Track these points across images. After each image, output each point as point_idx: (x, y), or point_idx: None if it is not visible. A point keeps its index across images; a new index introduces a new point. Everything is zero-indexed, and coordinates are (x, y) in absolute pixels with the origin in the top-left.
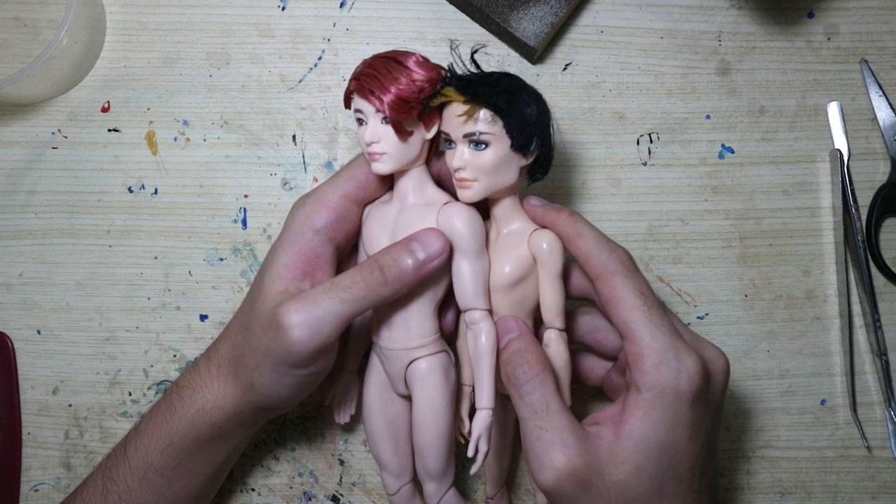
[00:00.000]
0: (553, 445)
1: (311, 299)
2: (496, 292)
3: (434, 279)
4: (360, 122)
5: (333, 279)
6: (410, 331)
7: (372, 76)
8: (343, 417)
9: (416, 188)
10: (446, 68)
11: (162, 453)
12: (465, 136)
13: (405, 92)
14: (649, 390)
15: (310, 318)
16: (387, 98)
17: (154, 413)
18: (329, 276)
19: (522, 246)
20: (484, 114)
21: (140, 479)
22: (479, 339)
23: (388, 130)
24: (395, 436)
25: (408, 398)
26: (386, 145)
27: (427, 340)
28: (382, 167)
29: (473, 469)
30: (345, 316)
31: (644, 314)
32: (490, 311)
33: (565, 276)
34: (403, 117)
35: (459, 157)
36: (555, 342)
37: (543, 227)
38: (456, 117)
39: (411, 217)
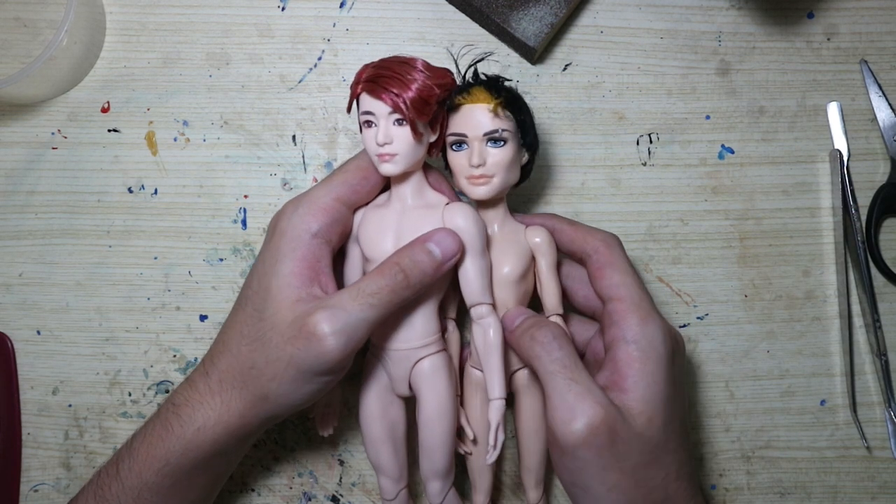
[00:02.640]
0: (585, 395)
1: (342, 307)
2: (503, 287)
3: (442, 278)
4: (368, 124)
5: (357, 285)
6: (416, 331)
7: (391, 77)
8: (327, 430)
9: (415, 191)
10: (457, 71)
11: (158, 473)
12: (487, 133)
13: (425, 92)
14: (637, 341)
15: (345, 325)
16: (408, 96)
17: (148, 432)
18: (330, 280)
19: (521, 241)
20: (506, 112)
21: (134, 498)
22: (487, 333)
23: (402, 131)
24: (394, 439)
25: (407, 400)
26: (398, 146)
27: (432, 339)
28: (393, 168)
29: (490, 459)
30: (373, 321)
31: (634, 280)
32: (494, 306)
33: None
34: (423, 118)
35: (479, 155)
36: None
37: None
38: (487, 113)
39: (416, 218)
